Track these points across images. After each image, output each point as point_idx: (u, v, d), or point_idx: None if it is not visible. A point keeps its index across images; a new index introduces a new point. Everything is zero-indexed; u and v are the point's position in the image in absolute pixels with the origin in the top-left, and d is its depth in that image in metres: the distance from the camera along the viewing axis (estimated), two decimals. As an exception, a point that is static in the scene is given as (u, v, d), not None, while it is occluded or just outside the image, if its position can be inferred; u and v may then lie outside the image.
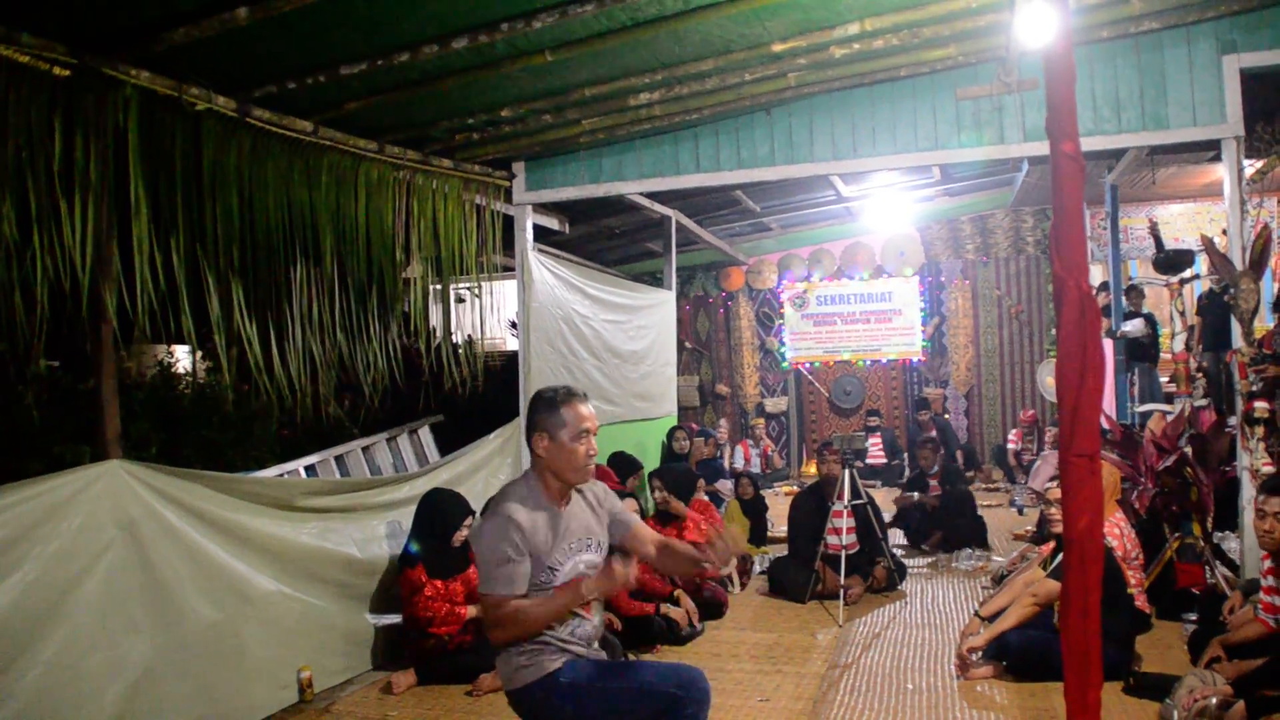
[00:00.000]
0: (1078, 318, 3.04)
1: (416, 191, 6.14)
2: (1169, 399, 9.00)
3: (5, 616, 3.72)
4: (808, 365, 13.75)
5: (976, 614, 5.40)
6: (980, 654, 4.96)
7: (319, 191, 5.44)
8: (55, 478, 4.01)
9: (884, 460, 12.31)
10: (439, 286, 6.47)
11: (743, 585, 7.03)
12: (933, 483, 8.62)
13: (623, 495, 5.92)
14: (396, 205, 5.99)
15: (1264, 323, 6.59)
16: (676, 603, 5.77)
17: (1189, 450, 5.94)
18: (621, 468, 7.09)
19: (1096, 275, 12.58)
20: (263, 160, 5.06)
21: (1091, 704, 3.09)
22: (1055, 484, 5.29)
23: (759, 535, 8.29)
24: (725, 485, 8.61)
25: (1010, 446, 12.18)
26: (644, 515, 6.48)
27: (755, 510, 8.34)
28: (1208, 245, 6.04)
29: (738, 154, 6.46)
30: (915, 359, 13.37)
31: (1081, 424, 3.02)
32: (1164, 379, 9.68)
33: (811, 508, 6.77)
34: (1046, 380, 12.05)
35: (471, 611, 5.28)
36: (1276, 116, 7.13)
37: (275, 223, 5.19)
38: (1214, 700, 3.89)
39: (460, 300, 6.81)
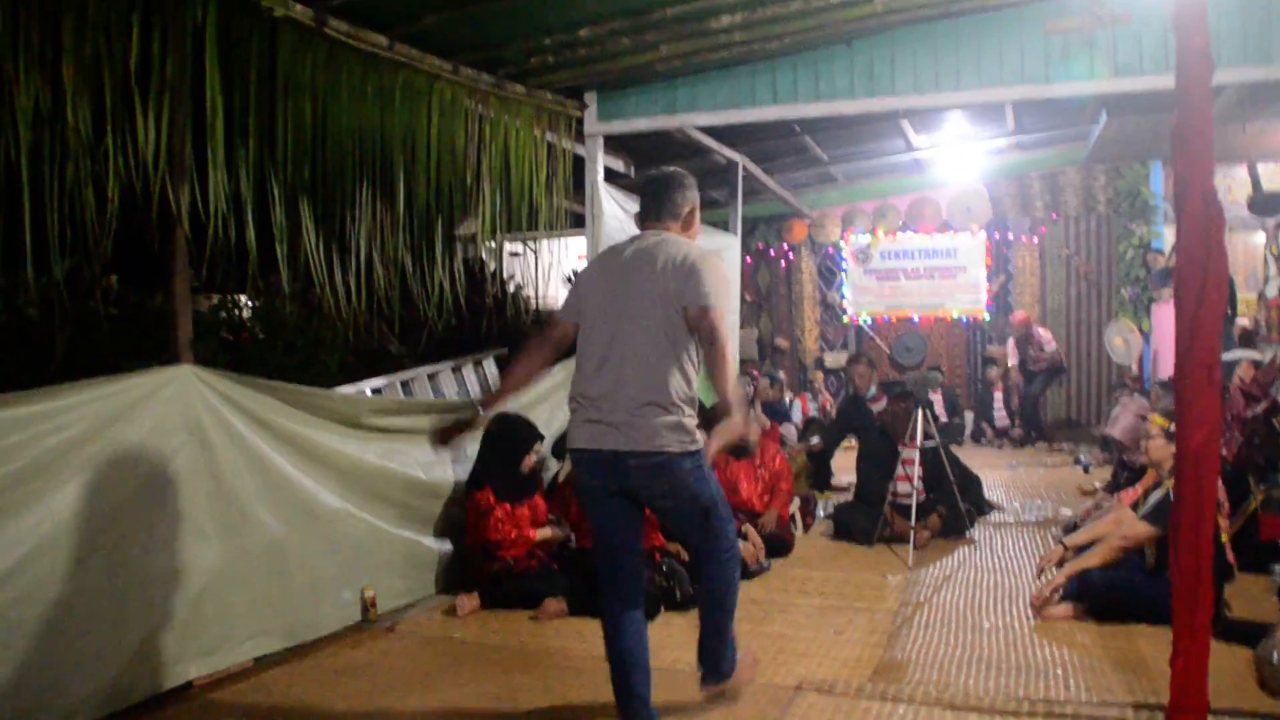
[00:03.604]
0: (1201, 218, 2.89)
1: (489, 121, 6.03)
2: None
3: (77, 514, 3.70)
4: (869, 320, 13.54)
5: (1061, 542, 5.26)
6: (1059, 592, 4.82)
7: (391, 110, 5.34)
8: (127, 378, 3.98)
9: (945, 418, 12.08)
10: (493, 244, 6.36)
11: (806, 527, 6.93)
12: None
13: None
14: (469, 130, 5.88)
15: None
16: (744, 538, 5.66)
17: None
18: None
19: (1170, 236, 12.26)
20: (337, 73, 4.97)
21: (1200, 628, 2.96)
22: (1150, 417, 5.11)
23: (823, 481, 8.17)
24: (789, 429, 8.50)
25: (1011, 362, 11.88)
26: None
27: (819, 456, 8.22)
28: (1307, 187, 5.78)
29: (816, 86, 6.26)
30: (980, 317, 13.10)
31: (1201, 332, 2.87)
32: (1244, 322, 9.35)
33: (882, 449, 6.64)
34: (1114, 341, 11.76)
35: (538, 536, 5.22)
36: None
37: (346, 138, 5.11)
38: (1316, 642, 3.73)
39: (515, 255, 6.73)
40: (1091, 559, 4.74)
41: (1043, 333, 11.76)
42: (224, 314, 6.79)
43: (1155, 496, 4.75)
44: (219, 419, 4.27)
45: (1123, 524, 4.83)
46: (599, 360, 3.34)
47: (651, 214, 3.50)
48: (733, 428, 3.22)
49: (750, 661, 3.90)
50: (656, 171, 3.56)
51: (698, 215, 3.57)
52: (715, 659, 3.68)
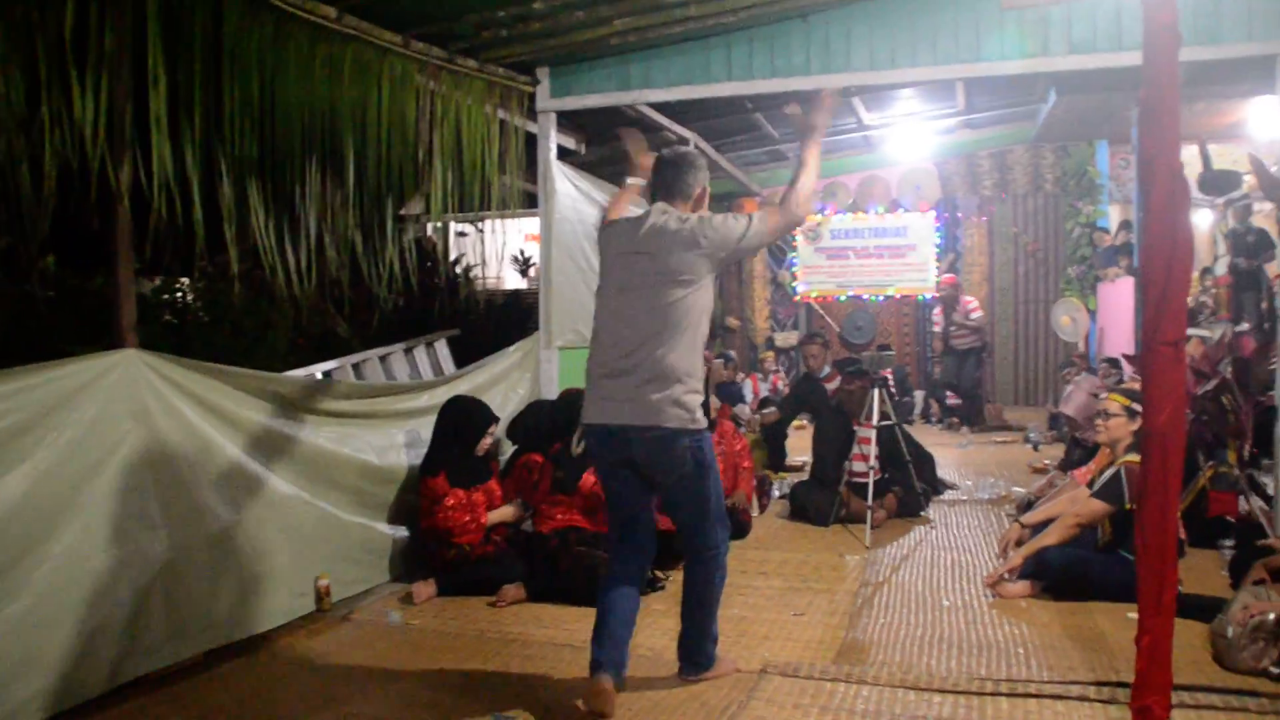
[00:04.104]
0: (1167, 198, 2.87)
1: (440, 97, 5.89)
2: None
3: (16, 507, 3.52)
4: (819, 299, 13.58)
5: (1019, 520, 5.31)
6: (1015, 572, 4.85)
7: (341, 84, 5.18)
8: (69, 363, 3.80)
9: (895, 396, 12.15)
10: (439, 225, 6.23)
11: (762, 508, 6.91)
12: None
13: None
14: (420, 106, 5.74)
15: None
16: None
17: (1229, 375, 5.78)
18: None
19: (1116, 215, 12.41)
20: (285, 46, 4.80)
21: (1166, 606, 2.96)
22: (1105, 396, 5.15)
23: (777, 462, 8.16)
24: (743, 410, 8.48)
25: (936, 329, 11.87)
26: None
27: (774, 437, 8.21)
28: (1256, 165, 5.84)
29: (772, 62, 6.19)
30: (928, 295, 13.19)
31: (1169, 310, 2.86)
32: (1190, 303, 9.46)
33: (838, 428, 6.63)
34: (1061, 320, 11.90)
35: (494, 518, 5.15)
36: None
37: (295, 114, 4.96)
38: (1271, 615, 3.77)
39: (462, 234, 6.61)
40: (1048, 537, 4.77)
41: (969, 301, 11.69)
42: (167, 296, 6.59)
43: (1107, 474, 4.79)
44: (166, 405, 4.12)
45: (1077, 502, 4.87)
46: (608, 337, 3.61)
47: (662, 192, 3.69)
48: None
49: (730, 663, 3.94)
50: (670, 151, 3.77)
51: (708, 195, 3.75)
52: (693, 652, 3.82)
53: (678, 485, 3.62)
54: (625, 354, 3.53)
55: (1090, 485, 4.95)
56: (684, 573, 3.82)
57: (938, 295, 12.06)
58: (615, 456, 3.62)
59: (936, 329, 11.87)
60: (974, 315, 11.45)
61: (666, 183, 3.69)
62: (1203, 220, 11.06)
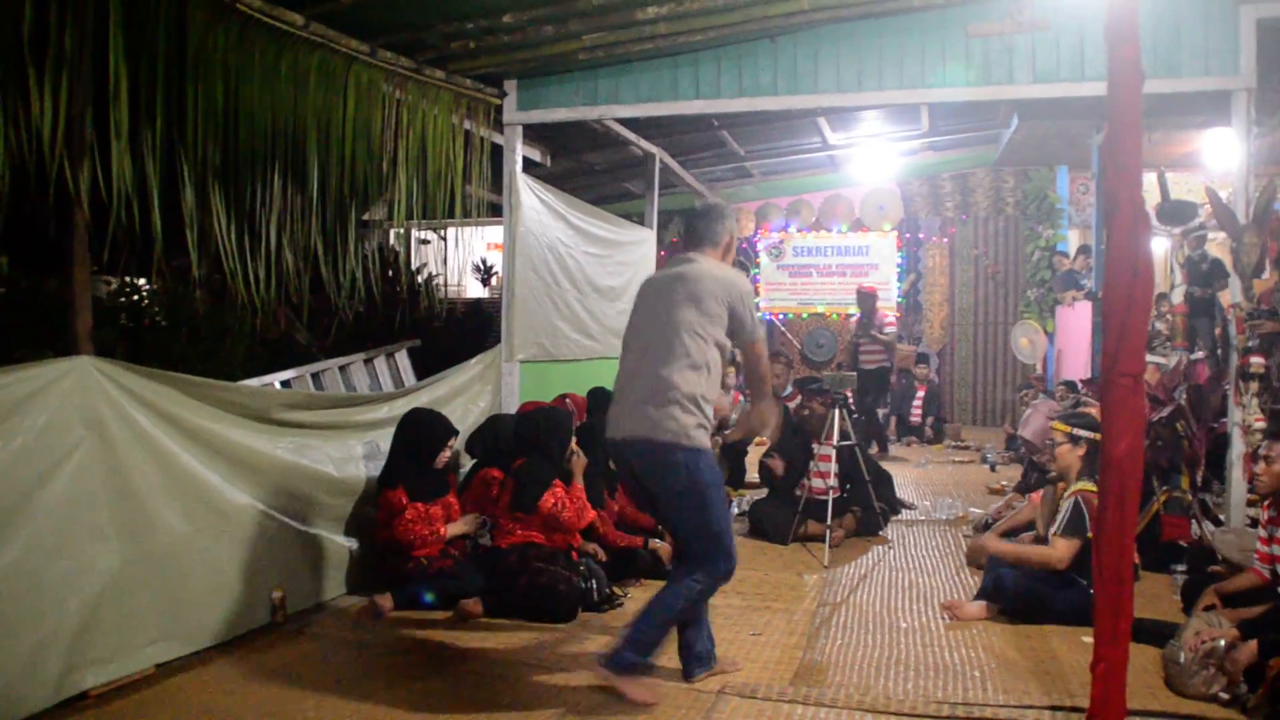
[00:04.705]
0: (1129, 232, 2.90)
1: (407, 107, 5.86)
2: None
3: (-37, 515, 3.46)
4: (781, 317, 13.62)
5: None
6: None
7: (306, 92, 5.14)
8: (19, 370, 3.72)
9: (855, 415, 12.19)
10: (402, 231, 6.19)
11: (721, 526, 6.89)
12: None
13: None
14: (386, 116, 5.71)
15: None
16: (662, 537, 5.61)
17: (1184, 402, 5.87)
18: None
19: (1075, 239, 12.59)
20: (250, 52, 4.76)
21: (1121, 634, 2.99)
22: (1053, 423, 5.21)
23: (737, 479, 8.17)
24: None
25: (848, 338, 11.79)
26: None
27: (734, 454, 8.21)
28: (1212, 197, 5.93)
29: (739, 81, 6.23)
30: (890, 315, 13.28)
31: (1128, 344, 2.89)
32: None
33: (796, 447, 6.64)
34: (1020, 341, 12.03)
35: (452, 532, 5.10)
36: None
37: (259, 121, 4.91)
38: (1222, 642, 3.82)
39: (425, 242, 6.57)
40: (1014, 553, 4.85)
41: (886, 314, 11.41)
42: (123, 299, 6.47)
43: (1066, 508, 4.81)
44: (121, 413, 4.04)
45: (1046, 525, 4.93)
46: (628, 355, 3.89)
47: (694, 240, 4.00)
48: (749, 421, 4.10)
49: (650, 687, 3.81)
50: (701, 204, 4.07)
51: (735, 244, 4.09)
52: (622, 649, 3.77)
53: (673, 501, 3.77)
54: (635, 370, 3.80)
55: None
56: (673, 574, 3.95)
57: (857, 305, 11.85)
58: (625, 469, 3.89)
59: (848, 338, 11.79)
60: (887, 329, 11.09)
61: (698, 232, 3.99)
62: (1159, 248, 11.25)
